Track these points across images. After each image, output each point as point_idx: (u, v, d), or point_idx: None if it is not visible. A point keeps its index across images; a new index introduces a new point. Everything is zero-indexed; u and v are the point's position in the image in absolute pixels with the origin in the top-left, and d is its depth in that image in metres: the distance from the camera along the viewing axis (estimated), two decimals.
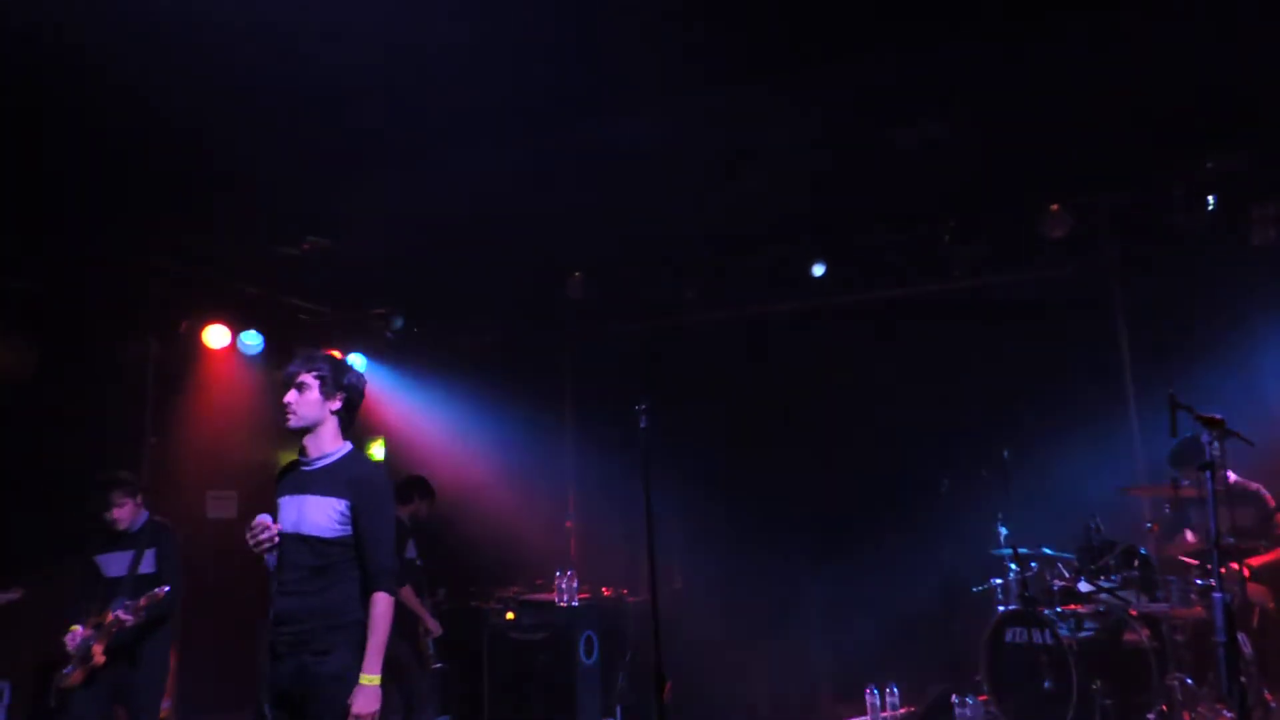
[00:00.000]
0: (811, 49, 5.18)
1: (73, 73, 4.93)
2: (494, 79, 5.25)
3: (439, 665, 6.90)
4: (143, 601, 5.15)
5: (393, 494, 3.98)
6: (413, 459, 8.65)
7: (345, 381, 3.80)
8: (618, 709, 7.24)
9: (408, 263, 7.80)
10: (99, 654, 5.18)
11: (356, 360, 8.06)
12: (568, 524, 8.79)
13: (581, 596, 7.41)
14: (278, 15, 4.56)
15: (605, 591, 7.80)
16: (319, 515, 3.67)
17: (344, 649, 3.60)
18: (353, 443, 3.88)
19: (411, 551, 7.03)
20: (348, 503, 3.68)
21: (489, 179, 6.39)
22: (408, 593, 6.78)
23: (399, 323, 8.73)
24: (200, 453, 8.02)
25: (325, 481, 3.71)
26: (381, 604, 3.65)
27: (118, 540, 5.49)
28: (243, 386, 8.29)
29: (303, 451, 3.81)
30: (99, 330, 7.29)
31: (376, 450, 9.47)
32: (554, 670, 7.05)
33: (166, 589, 5.22)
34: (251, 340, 7.98)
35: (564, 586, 7.33)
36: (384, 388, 9.07)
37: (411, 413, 9.08)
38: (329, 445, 3.79)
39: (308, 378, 3.72)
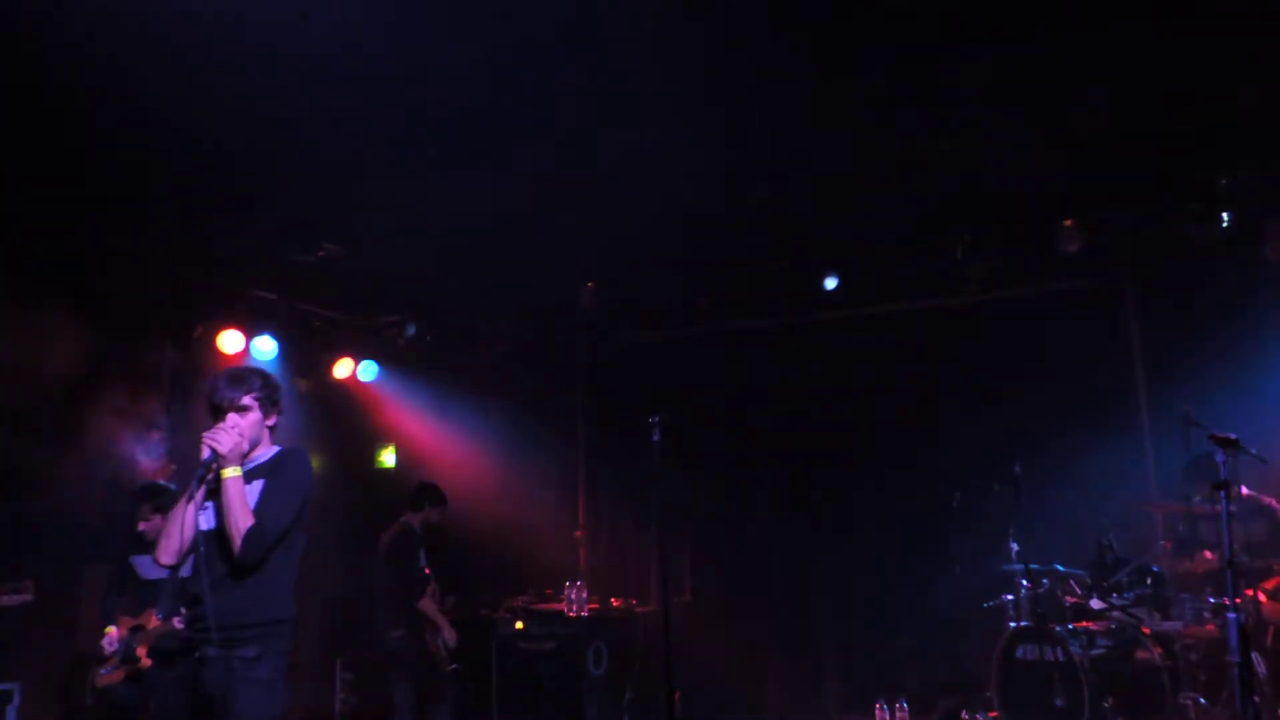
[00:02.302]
0: (827, 62, 5.19)
1: (94, 82, 4.98)
2: (510, 91, 5.28)
3: (454, 666, 6.91)
4: None
5: (310, 472, 3.78)
6: (424, 466, 8.66)
7: (277, 397, 3.79)
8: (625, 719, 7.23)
9: (421, 271, 7.82)
10: (144, 656, 5.10)
11: (267, 345, 7.85)
12: (577, 534, 8.79)
13: (591, 607, 7.40)
14: (296, 28, 4.61)
15: (614, 602, 7.80)
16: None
17: (274, 654, 3.53)
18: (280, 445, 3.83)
19: (422, 560, 7.03)
20: (264, 482, 3.64)
21: (503, 188, 6.42)
22: (427, 603, 6.80)
23: (411, 330, 8.76)
24: None
25: (251, 476, 3.65)
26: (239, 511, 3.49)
27: (154, 544, 5.48)
28: None
29: None
30: (114, 334, 7.33)
31: (388, 457, 9.50)
32: (562, 680, 7.04)
33: None
34: (265, 346, 8.01)
35: (573, 596, 7.32)
36: (396, 395, 9.10)
37: (423, 420, 9.10)
38: (259, 451, 3.75)
39: (249, 399, 3.68)
